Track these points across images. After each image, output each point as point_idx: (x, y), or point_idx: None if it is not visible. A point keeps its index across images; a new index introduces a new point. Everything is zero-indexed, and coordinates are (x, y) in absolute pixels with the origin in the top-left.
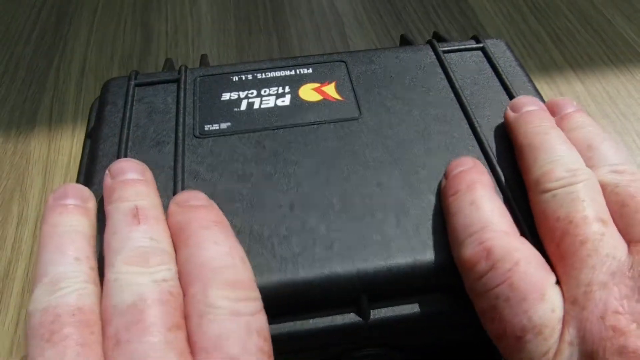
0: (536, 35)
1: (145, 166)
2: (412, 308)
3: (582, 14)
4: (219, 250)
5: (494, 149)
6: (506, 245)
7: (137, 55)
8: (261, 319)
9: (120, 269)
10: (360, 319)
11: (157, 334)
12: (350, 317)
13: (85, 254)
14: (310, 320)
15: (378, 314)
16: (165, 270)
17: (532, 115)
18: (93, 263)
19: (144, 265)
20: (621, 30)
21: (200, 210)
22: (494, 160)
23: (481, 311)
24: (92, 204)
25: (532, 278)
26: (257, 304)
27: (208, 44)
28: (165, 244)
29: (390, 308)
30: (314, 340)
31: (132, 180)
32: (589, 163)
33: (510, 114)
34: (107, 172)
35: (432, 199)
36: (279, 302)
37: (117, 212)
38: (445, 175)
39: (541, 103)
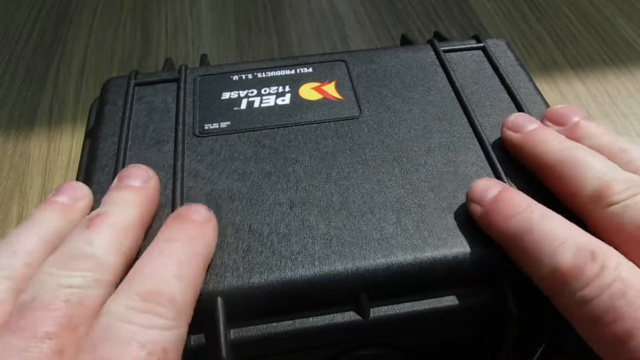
0: (537, 35)
1: (151, 174)
2: (412, 306)
3: (583, 14)
4: (158, 261)
5: (495, 148)
6: (600, 245)
7: (136, 55)
8: (161, 336)
9: (44, 268)
10: (360, 318)
11: (21, 338)
12: (350, 316)
13: (28, 249)
14: (310, 319)
15: (378, 312)
16: (80, 277)
17: (543, 133)
18: (32, 259)
19: (61, 268)
20: (622, 30)
21: (183, 224)
22: (495, 159)
23: (595, 317)
24: (83, 203)
25: (636, 270)
26: (166, 322)
27: (208, 44)
28: (105, 251)
29: (390, 306)
30: (313, 339)
31: (126, 187)
32: (629, 167)
33: (513, 134)
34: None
35: (433, 196)
36: (278, 301)
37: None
38: (475, 201)
39: (537, 120)
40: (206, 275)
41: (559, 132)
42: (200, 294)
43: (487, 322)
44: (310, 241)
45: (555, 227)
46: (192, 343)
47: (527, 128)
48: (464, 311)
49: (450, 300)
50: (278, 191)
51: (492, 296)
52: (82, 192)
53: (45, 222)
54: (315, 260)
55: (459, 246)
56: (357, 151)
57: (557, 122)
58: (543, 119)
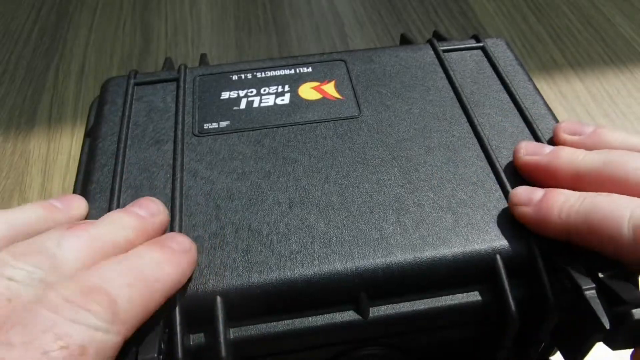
0: (536, 35)
1: (161, 209)
2: (411, 306)
3: (583, 14)
4: (115, 267)
5: (494, 147)
6: None
7: (136, 55)
8: (85, 334)
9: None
10: (360, 317)
11: None
12: (350, 315)
13: None
14: (310, 318)
15: (377, 312)
16: (27, 271)
17: (568, 149)
18: None
19: (15, 256)
20: (621, 29)
21: (159, 247)
22: (494, 158)
23: None
24: (76, 211)
25: None
26: (96, 322)
27: (208, 44)
28: (69, 257)
29: (390, 306)
30: (313, 338)
31: (129, 212)
32: None
33: (537, 157)
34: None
35: (432, 196)
36: (277, 300)
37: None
38: (522, 204)
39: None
40: (205, 275)
41: (578, 141)
42: (200, 294)
43: (486, 322)
44: (310, 240)
45: (616, 199)
46: (191, 343)
47: (546, 150)
48: (464, 311)
49: (450, 300)
50: (277, 191)
51: (492, 296)
52: (78, 203)
53: (27, 213)
54: (314, 259)
55: (458, 246)
56: (356, 151)
57: (574, 132)
58: (557, 132)
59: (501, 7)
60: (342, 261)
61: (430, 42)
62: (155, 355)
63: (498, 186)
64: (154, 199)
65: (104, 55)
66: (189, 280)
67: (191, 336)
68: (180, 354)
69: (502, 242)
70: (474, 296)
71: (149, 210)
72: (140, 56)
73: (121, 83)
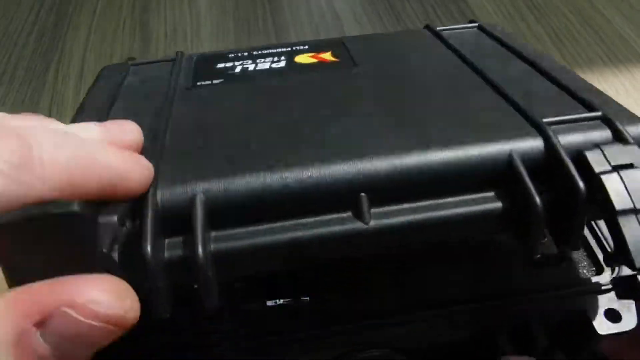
0: (535, 35)
1: (132, 129)
2: (417, 211)
3: (582, 14)
4: (50, 131)
5: (504, 85)
6: None
7: (135, 55)
8: None
9: None
10: (360, 223)
11: None
12: (348, 220)
13: None
14: (302, 221)
15: (380, 218)
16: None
17: None
18: None
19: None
20: (620, 30)
21: (113, 147)
22: (508, 92)
23: None
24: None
25: None
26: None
27: (207, 45)
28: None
29: (393, 207)
30: (306, 249)
31: (104, 124)
32: None
33: None
34: None
35: (439, 107)
36: (266, 206)
37: None
38: None
39: None
40: (186, 173)
41: None
42: (177, 191)
43: (505, 228)
44: (304, 145)
45: None
46: (165, 245)
47: None
48: (478, 218)
49: (455, 205)
50: (269, 117)
51: (511, 199)
52: (131, 127)
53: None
54: (307, 159)
55: (471, 144)
56: (354, 89)
57: None
58: None
59: (500, 7)
60: (338, 161)
61: (427, 26)
62: (117, 217)
63: (512, 109)
64: (131, 121)
65: (103, 55)
66: (166, 177)
67: (166, 240)
68: (149, 253)
69: (519, 143)
70: (491, 199)
71: (123, 127)
72: (140, 57)
73: (117, 67)
